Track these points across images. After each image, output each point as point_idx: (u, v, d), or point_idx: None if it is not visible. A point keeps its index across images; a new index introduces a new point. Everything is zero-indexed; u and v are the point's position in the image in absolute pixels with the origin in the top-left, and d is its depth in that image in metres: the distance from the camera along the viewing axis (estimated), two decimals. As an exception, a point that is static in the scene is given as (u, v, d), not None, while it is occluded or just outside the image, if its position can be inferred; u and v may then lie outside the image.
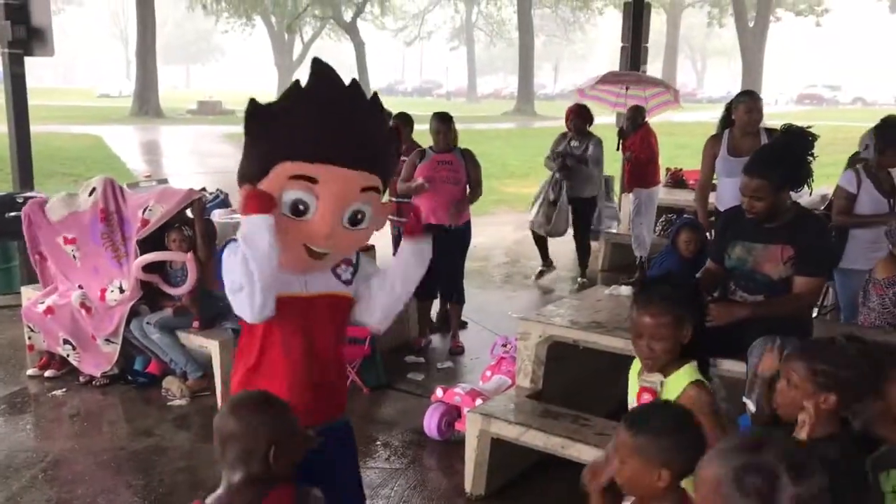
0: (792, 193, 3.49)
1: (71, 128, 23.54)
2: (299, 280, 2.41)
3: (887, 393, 2.21)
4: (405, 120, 6.46)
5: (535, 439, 3.61)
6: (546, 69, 66.29)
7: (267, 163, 2.27)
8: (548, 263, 7.99)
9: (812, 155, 3.48)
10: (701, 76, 66.06)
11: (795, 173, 3.45)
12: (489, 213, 11.95)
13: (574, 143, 7.24)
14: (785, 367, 2.20)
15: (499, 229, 10.76)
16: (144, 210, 4.85)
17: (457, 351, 5.91)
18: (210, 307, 4.86)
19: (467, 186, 5.79)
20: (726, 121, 5.63)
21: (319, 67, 2.31)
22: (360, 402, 4.92)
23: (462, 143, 6.05)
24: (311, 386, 2.43)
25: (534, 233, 7.71)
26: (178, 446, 4.28)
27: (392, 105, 6.10)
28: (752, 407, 2.56)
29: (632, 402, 2.55)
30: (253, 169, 2.31)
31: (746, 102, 5.44)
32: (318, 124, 2.28)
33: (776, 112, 39.06)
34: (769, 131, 5.33)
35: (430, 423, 4.38)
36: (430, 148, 5.87)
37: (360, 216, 2.35)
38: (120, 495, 3.83)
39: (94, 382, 5.03)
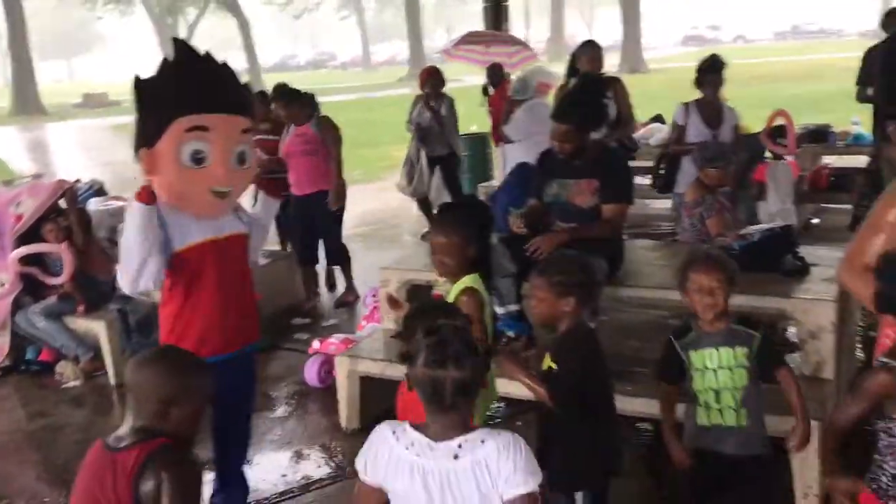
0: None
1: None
2: (214, 225, 2.89)
3: (686, 289, 2.68)
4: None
5: (397, 371, 4.04)
6: (440, 32, 66.32)
7: (161, 124, 2.72)
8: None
9: (607, 97, 3.99)
10: (590, 25, 67.41)
11: (594, 116, 3.96)
12: (380, 179, 12.27)
13: (430, 104, 7.62)
14: (531, 286, 2.69)
15: (390, 194, 11.12)
16: (17, 205, 5.04)
17: (346, 304, 6.30)
18: (93, 290, 5.11)
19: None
20: (572, 70, 6.12)
21: (180, 44, 2.85)
22: (249, 364, 5.28)
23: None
24: (235, 315, 2.94)
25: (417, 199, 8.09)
26: (74, 423, 4.56)
27: (287, 80, 6.37)
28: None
29: None
30: (149, 134, 2.75)
31: (589, 53, 5.95)
32: (197, 81, 2.80)
33: (662, 56, 40.53)
34: (610, 80, 5.86)
35: (311, 372, 4.79)
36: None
37: (244, 156, 2.88)
38: (22, 473, 4.10)
39: (-12, 375, 5.22)
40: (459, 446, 1.81)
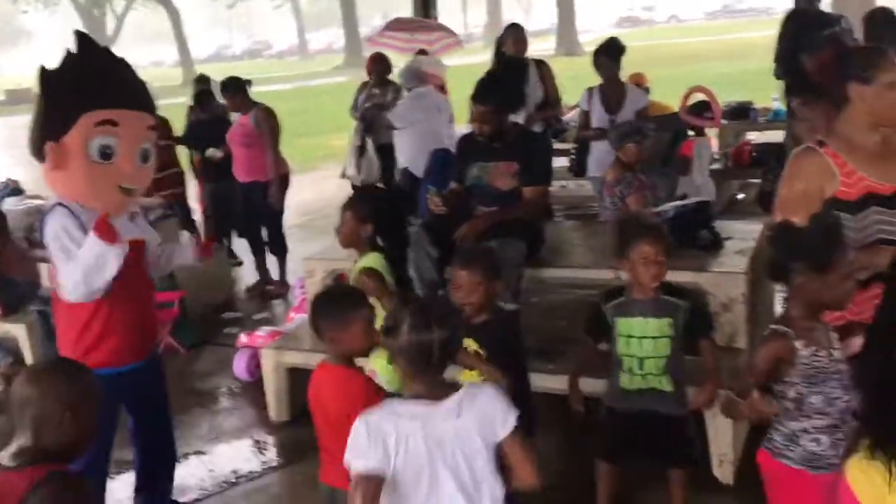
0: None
1: None
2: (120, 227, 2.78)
3: (630, 258, 2.71)
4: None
5: (324, 362, 4.03)
6: (377, 19, 65.83)
7: (70, 118, 2.65)
8: None
9: (525, 80, 4.02)
10: (527, 11, 67.68)
11: (513, 98, 3.98)
12: (317, 169, 12.17)
13: (375, 91, 7.52)
14: (454, 278, 2.76)
15: (327, 183, 11.02)
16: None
17: (278, 296, 6.25)
18: (11, 293, 4.95)
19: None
20: (499, 54, 6.13)
21: (83, 37, 2.80)
22: (179, 361, 5.20)
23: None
24: (139, 326, 2.89)
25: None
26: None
27: (221, 71, 6.33)
28: None
29: None
30: (55, 127, 2.67)
31: (513, 36, 5.97)
32: (104, 75, 2.75)
33: (597, 38, 40.78)
34: (537, 62, 5.89)
35: (240, 366, 4.74)
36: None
37: (147, 153, 2.83)
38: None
39: None
40: (459, 404, 1.90)
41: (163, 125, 6.35)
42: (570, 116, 8.24)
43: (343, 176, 7.88)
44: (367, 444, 1.89)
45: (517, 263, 3.67)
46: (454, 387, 1.96)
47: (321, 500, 2.51)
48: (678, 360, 2.77)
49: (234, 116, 6.30)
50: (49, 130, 2.68)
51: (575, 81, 5.66)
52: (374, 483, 1.88)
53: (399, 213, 3.22)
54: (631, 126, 4.52)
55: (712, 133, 6.91)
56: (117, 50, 3.00)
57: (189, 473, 3.82)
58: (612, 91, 5.40)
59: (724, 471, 3.23)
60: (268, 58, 54.37)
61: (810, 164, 2.53)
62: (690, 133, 6.44)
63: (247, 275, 6.80)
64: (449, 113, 6.62)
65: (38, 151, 2.74)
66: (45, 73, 2.68)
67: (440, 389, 1.94)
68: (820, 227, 2.09)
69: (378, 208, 3.16)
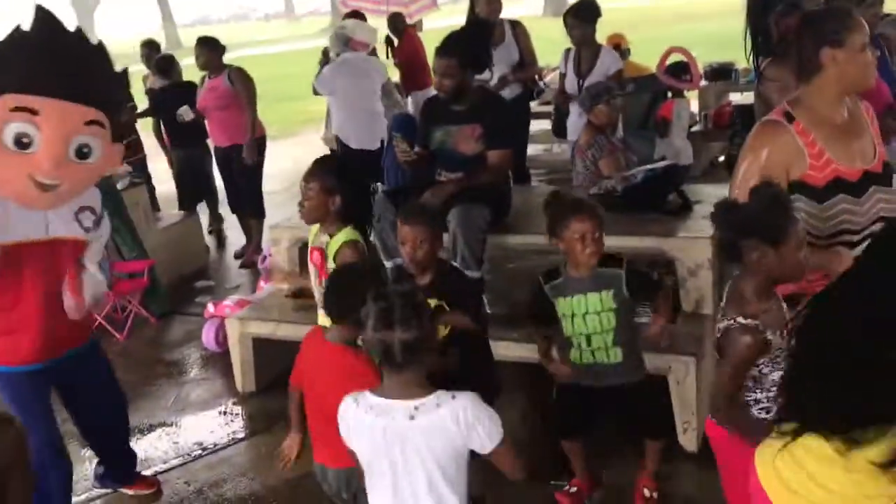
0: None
1: None
2: (40, 225, 2.65)
3: (564, 238, 2.65)
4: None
5: (289, 332, 3.95)
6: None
7: None
8: None
9: (492, 41, 3.91)
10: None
11: (477, 55, 3.87)
12: (296, 134, 12.03)
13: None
14: (399, 233, 2.72)
15: (306, 148, 10.88)
16: None
17: (252, 264, 6.17)
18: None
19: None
20: (472, 15, 5.99)
21: (41, 13, 2.50)
22: (147, 330, 5.15)
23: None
24: (56, 323, 2.75)
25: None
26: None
27: (205, 35, 6.22)
28: None
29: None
30: None
31: None
32: (38, 60, 2.47)
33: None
34: (511, 23, 5.75)
35: (208, 336, 4.67)
36: (206, 76, 6.05)
37: (86, 149, 2.54)
38: None
39: None
40: (416, 408, 1.89)
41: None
42: (551, 78, 8.12)
43: (324, 139, 7.77)
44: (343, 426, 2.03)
45: (481, 229, 3.60)
46: (424, 390, 1.92)
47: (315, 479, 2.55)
48: (629, 328, 2.72)
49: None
50: None
51: (560, 44, 5.50)
52: None
53: (363, 180, 3.08)
54: (600, 87, 4.40)
55: (693, 95, 6.79)
56: (100, 16, 2.80)
57: (152, 445, 3.79)
58: (584, 54, 5.26)
59: (688, 438, 3.20)
60: (255, 20, 53.65)
61: (774, 142, 2.43)
62: (670, 95, 6.35)
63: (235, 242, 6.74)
64: (381, 78, 6.47)
65: None
66: None
67: (407, 389, 1.92)
68: (765, 200, 2.00)
69: (344, 177, 2.99)
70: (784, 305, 2.07)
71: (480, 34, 3.91)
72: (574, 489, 2.99)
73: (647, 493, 2.91)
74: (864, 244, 2.41)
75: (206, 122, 6.17)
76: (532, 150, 8.33)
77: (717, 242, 2.16)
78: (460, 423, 1.87)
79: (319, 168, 2.94)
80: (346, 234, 2.86)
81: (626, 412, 2.81)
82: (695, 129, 7.00)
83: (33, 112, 2.44)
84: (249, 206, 6.29)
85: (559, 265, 2.75)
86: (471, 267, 3.60)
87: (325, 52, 6.39)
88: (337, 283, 2.44)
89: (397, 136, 4.00)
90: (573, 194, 3.19)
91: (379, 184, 4.61)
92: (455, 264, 3.35)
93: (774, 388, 2.05)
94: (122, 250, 5.37)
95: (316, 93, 6.38)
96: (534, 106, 8.62)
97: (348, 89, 6.12)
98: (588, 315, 2.66)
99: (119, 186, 5.55)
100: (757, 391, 2.10)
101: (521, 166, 5.97)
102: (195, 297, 5.67)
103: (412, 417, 1.89)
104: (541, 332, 2.81)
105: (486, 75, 5.31)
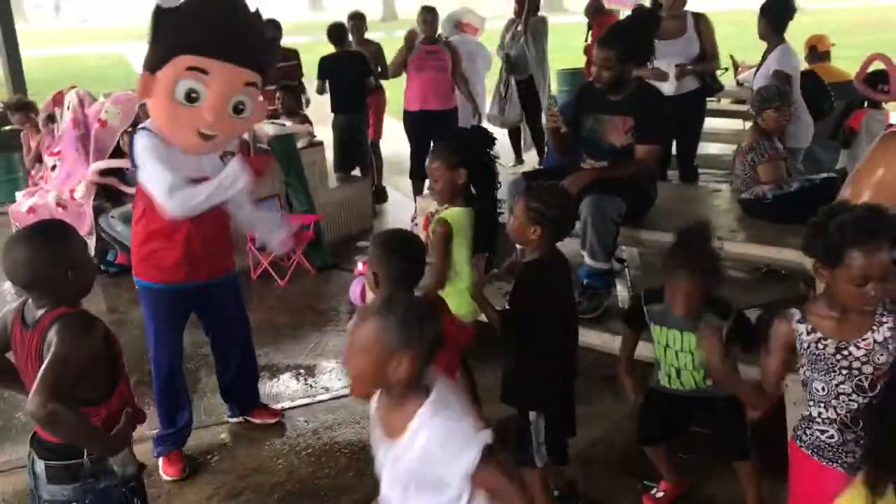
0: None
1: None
2: (195, 164, 3.04)
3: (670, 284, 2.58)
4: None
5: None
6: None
7: (167, 54, 2.88)
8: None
9: (651, 36, 3.84)
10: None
11: (639, 47, 3.81)
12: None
13: (519, 29, 7.30)
14: (514, 206, 2.71)
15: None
16: (102, 111, 5.43)
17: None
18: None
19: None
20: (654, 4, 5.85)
21: None
22: (306, 280, 5.55)
23: None
24: (201, 249, 3.12)
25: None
26: (134, 319, 4.95)
27: None
28: None
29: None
30: (155, 60, 2.91)
31: None
32: (214, 25, 2.90)
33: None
34: (695, 16, 5.56)
35: (354, 292, 4.91)
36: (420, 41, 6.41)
37: (241, 106, 2.99)
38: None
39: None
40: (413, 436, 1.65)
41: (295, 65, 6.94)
42: (746, 76, 7.73)
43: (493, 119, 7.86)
44: None
45: (613, 221, 3.56)
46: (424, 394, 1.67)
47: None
48: None
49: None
50: (149, 61, 2.90)
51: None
52: None
53: (491, 159, 3.13)
54: (772, 90, 4.18)
55: (893, 107, 6.22)
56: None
57: (285, 383, 4.12)
58: (766, 52, 5.01)
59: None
60: None
61: None
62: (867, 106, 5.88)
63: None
64: (485, 59, 7.33)
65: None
66: (158, 9, 2.88)
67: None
68: (843, 222, 1.87)
69: (471, 154, 3.05)
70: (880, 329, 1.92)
71: (644, 26, 3.84)
72: (661, 494, 2.94)
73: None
74: None
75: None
76: (718, 149, 8.02)
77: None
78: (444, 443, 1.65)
79: (446, 147, 3.06)
80: (448, 214, 2.95)
81: (707, 426, 2.76)
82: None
83: (204, 72, 2.84)
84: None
85: (663, 286, 2.65)
86: (598, 257, 3.59)
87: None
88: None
89: (552, 100, 4.03)
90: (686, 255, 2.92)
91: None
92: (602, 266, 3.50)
93: (823, 405, 1.99)
94: (294, 204, 5.80)
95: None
96: (726, 104, 8.28)
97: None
98: (681, 353, 2.62)
99: (299, 145, 5.99)
100: (811, 404, 2.04)
101: (689, 164, 5.79)
102: (355, 255, 6.01)
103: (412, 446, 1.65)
104: (627, 337, 2.80)
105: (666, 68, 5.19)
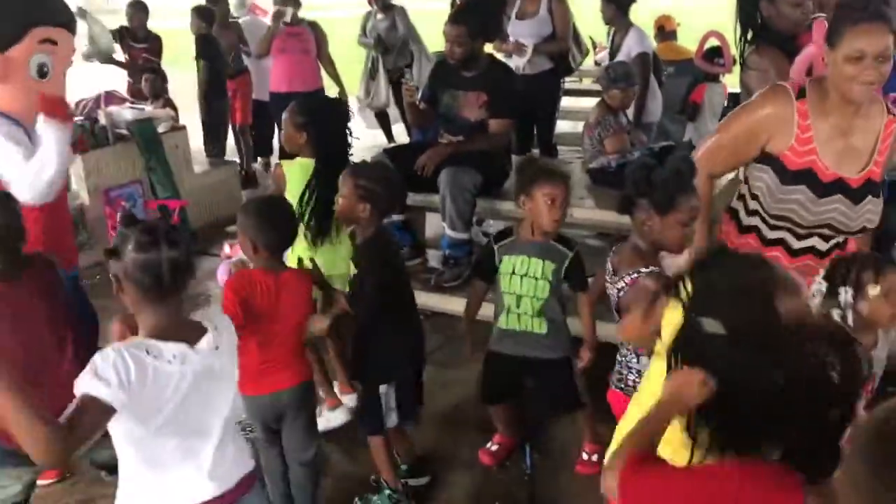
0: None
1: None
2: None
3: (534, 198, 2.69)
4: None
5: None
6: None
7: (20, 28, 2.59)
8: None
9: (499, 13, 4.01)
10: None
11: (488, 25, 3.98)
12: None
13: (379, 17, 7.44)
14: (340, 184, 2.68)
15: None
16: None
17: None
18: None
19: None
20: None
21: None
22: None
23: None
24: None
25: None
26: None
27: None
28: None
29: None
30: (3, 38, 2.58)
31: None
32: None
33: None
34: None
35: (221, 276, 4.91)
36: (284, 22, 6.32)
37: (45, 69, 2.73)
38: None
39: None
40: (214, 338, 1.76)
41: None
42: (602, 56, 8.06)
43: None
44: (111, 376, 1.62)
45: (469, 192, 3.72)
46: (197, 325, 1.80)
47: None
48: (556, 308, 2.80)
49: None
50: None
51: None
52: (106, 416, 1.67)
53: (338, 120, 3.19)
54: (620, 71, 4.42)
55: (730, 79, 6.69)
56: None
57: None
58: (616, 34, 5.32)
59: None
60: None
61: (775, 104, 2.37)
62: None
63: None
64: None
65: None
66: None
67: (186, 326, 1.78)
68: (672, 168, 2.08)
69: (318, 116, 3.15)
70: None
71: (493, 3, 4.01)
72: (495, 447, 3.11)
73: (585, 456, 3.02)
74: (806, 242, 2.45)
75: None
76: (573, 126, 8.35)
77: (619, 195, 2.24)
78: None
79: (291, 107, 3.21)
80: (298, 162, 3.18)
81: (540, 385, 2.88)
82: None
83: (54, 43, 2.68)
84: None
85: (513, 227, 2.85)
86: (457, 228, 3.74)
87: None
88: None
89: (408, 74, 4.13)
90: (548, 161, 3.26)
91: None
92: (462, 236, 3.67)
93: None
94: (157, 189, 5.67)
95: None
96: (588, 83, 8.58)
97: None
98: (525, 277, 2.75)
99: (160, 130, 5.84)
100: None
101: (548, 141, 6.01)
102: (223, 240, 5.93)
103: (217, 347, 1.78)
104: (476, 289, 2.92)
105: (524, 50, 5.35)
